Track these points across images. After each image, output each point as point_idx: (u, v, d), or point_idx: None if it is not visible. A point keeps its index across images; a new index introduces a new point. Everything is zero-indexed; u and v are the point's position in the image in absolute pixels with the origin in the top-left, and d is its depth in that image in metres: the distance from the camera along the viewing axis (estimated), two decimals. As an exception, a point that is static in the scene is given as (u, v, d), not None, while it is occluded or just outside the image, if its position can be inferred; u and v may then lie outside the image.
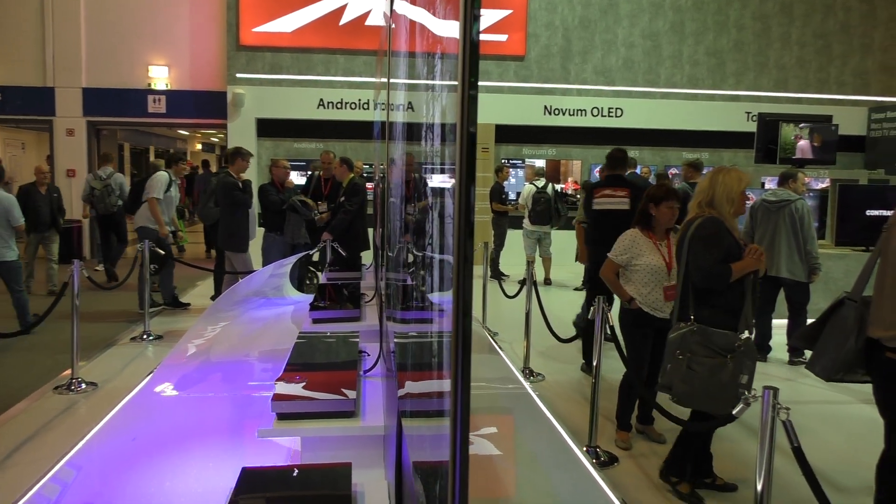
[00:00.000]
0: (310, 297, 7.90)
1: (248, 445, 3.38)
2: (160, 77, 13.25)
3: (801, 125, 9.04)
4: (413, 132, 1.51)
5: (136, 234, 8.97)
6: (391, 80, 2.43)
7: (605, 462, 4.41)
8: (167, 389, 4.56)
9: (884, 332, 2.72)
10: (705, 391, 3.26)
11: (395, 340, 2.03)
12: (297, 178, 11.15)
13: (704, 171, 6.56)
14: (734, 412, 2.97)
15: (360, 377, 3.34)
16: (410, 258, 1.49)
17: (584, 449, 4.35)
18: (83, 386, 5.93)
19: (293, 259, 8.10)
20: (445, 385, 1.10)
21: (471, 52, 0.74)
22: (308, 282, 8.88)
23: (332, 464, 2.32)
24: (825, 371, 2.98)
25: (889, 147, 13.86)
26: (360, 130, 12.98)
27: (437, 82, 1.06)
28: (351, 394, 3.04)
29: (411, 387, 1.43)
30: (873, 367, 2.82)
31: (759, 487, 2.65)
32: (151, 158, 20.93)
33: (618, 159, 6.32)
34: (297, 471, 2.25)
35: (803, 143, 9.05)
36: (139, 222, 8.95)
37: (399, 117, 1.82)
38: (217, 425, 3.88)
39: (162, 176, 8.92)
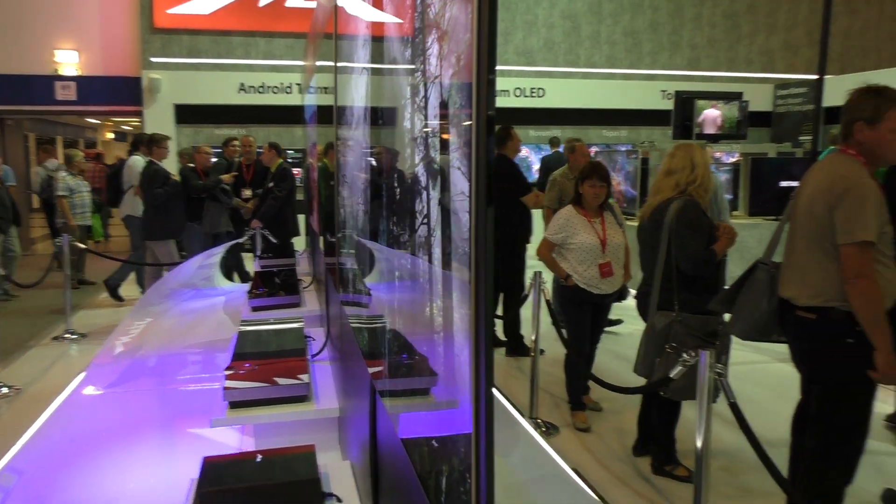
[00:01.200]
0: (242, 287, 7.79)
1: (198, 437, 3.34)
2: (69, 62, 12.60)
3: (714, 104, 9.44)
4: (385, 116, 1.53)
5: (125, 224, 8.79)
6: (339, 64, 2.43)
7: (546, 432, 4.57)
8: (103, 387, 4.44)
9: (794, 293, 2.86)
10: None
11: (365, 325, 2.05)
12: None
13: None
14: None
15: (310, 362, 3.35)
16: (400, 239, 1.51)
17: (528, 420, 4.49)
18: (4, 390, 5.66)
19: (222, 248, 7.93)
20: (438, 363, 1.15)
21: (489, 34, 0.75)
22: (238, 271, 8.72)
23: (295, 448, 2.33)
24: (743, 332, 3.11)
25: (794, 122, 14.61)
26: (284, 115, 12.73)
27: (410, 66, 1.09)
28: (303, 378, 3.05)
29: (396, 367, 1.47)
30: (786, 326, 2.96)
31: (699, 444, 2.79)
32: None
33: (499, 138, 6.10)
34: (260, 457, 2.26)
35: (710, 114, 9.45)
36: (125, 211, 8.70)
37: (359, 101, 1.83)
38: (162, 420, 3.81)
39: (138, 162, 8.54)
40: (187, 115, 12.73)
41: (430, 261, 1.05)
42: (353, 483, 2.32)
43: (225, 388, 2.94)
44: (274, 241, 7.88)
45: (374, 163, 1.57)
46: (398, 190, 1.30)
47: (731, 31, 14.97)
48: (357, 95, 1.85)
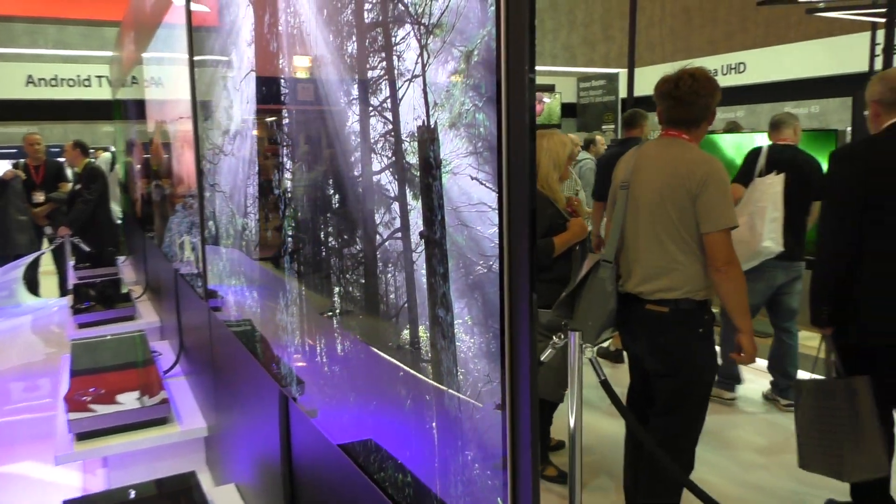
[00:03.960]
0: (55, 302, 6.98)
1: (36, 477, 2.93)
2: None
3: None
4: (313, 118, 1.40)
5: None
6: (196, 57, 2.22)
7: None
8: None
9: (644, 287, 2.78)
10: (541, 377, 3.05)
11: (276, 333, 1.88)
12: (5, 167, 9.65)
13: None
14: (542, 358, 3.14)
15: (163, 379, 3.06)
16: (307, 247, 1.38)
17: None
18: None
19: (24, 261, 7.05)
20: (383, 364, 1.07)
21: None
22: (43, 284, 7.81)
23: (172, 476, 2.11)
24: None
25: (596, 112, 15.76)
26: (83, 111, 11.59)
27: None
28: (160, 398, 2.78)
29: (316, 373, 1.36)
30: (633, 322, 2.86)
31: (571, 423, 2.76)
32: None
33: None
34: (133, 492, 2.01)
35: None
36: None
37: (245, 101, 1.66)
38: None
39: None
40: (-36, 111, 11.21)
41: (407, 271, 0.96)
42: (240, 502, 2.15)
43: (70, 420, 2.60)
44: (86, 249, 7.13)
45: (288, 169, 1.43)
46: (339, 199, 1.18)
47: (537, 27, 15.82)
48: (245, 93, 1.68)
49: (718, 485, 3.46)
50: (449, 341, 0.87)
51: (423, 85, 0.85)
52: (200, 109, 2.33)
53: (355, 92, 1.06)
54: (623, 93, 15.68)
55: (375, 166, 1.00)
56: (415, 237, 0.91)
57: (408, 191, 0.92)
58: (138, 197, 5.28)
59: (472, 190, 0.78)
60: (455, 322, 0.84)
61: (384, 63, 0.95)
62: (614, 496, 3.37)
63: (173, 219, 3.14)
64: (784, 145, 4.13)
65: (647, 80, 3.12)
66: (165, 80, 3.16)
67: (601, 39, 16.50)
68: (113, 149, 8.70)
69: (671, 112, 2.77)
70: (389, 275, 1.00)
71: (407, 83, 0.90)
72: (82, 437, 2.61)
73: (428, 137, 0.85)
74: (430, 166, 0.85)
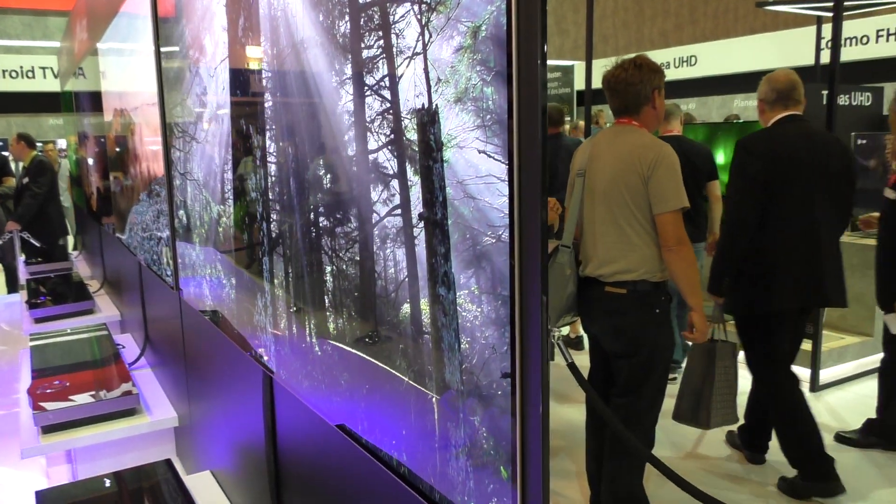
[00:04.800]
0: (1, 298, 6.79)
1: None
2: None
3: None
4: (300, 103, 1.40)
5: None
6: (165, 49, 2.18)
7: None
8: None
9: (603, 270, 2.86)
10: None
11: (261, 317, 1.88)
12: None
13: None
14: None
15: (130, 370, 3.01)
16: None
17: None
18: None
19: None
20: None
21: None
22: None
23: (144, 466, 2.09)
24: (553, 317, 3.00)
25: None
26: (28, 103, 11.23)
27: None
28: (127, 389, 2.74)
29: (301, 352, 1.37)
30: (592, 304, 2.94)
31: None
32: None
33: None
34: (108, 481, 1.99)
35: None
36: None
37: (221, 86, 1.64)
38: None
39: None
40: None
41: (409, 247, 0.98)
42: (219, 491, 2.14)
43: (34, 411, 2.55)
44: (37, 244, 6.94)
45: (272, 152, 1.43)
46: (330, 178, 1.19)
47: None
48: (220, 79, 1.67)
49: (673, 460, 3.58)
50: (451, 317, 0.89)
51: (425, 62, 0.87)
52: (169, 96, 2.30)
53: (349, 71, 1.07)
54: (579, 85, 15.88)
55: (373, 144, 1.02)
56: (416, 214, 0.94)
57: (408, 168, 0.94)
58: (93, 190, 5.16)
59: (480, 163, 0.80)
60: (461, 293, 0.86)
61: (381, 42, 0.96)
62: (577, 481, 3.45)
63: (137, 208, 3.09)
64: (671, 136, 4.31)
65: (600, 73, 3.21)
66: (126, 68, 3.09)
67: (555, 32, 16.65)
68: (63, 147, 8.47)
69: (613, 102, 2.91)
70: (388, 251, 1.02)
71: (408, 60, 0.92)
72: (48, 429, 2.56)
73: (429, 115, 0.87)
74: (432, 144, 0.87)
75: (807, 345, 4.61)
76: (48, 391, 2.72)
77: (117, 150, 3.80)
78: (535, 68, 0.73)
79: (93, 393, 2.71)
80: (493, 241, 0.80)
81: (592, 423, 3.18)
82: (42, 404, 2.59)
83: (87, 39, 4.44)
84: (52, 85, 10.20)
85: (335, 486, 1.28)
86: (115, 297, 4.57)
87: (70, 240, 7.94)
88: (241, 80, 1.55)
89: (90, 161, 5.27)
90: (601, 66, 3.16)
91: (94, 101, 4.43)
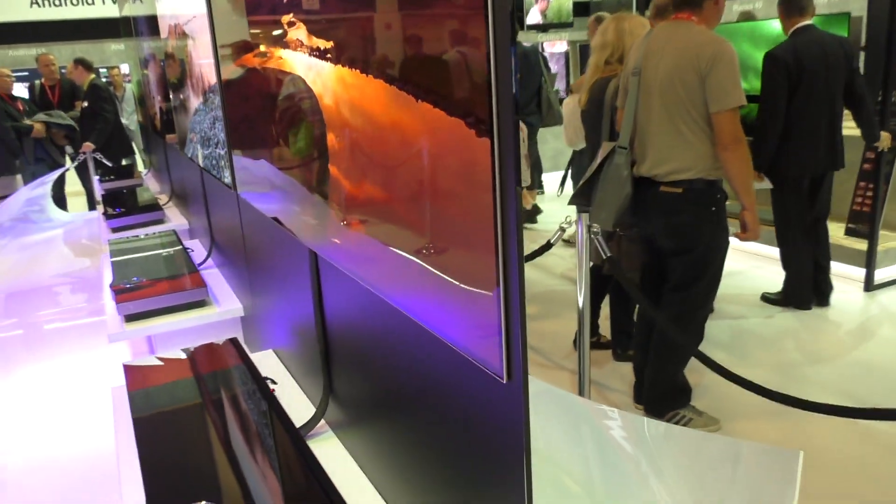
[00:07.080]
0: (82, 215, 7.25)
1: (88, 357, 3.21)
2: None
3: None
4: None
5: None
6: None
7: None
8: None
9: (659, 170, 2.87)
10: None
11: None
12: (20, 90, 9.75)
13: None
14: (551, 241, 3.23)
15: (198, 269, 3.29)
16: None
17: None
18: None
19: (50, 177, 7.28)
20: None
21: None
22: (70, 201, 8.07)
23: (214, 343, 2.35)
24: (608, 220, 3.04)
25: (610, 8, 15.37)
26: (90, 30, 11.54)
27: None
28: (197, 283, 3.01)
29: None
30: (646, 204, 2.97)
31: (579, 303, 2.86)
32: None
33: None
34: (185, 354, 2.26)
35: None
36: None
37: None
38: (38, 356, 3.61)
39: None
40: (-28, 35, 11.22)
41: None
42: (278, 362, 2.41)
43: (118, 302, 2.85)
44: (108, 163, 7.35)
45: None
46: None
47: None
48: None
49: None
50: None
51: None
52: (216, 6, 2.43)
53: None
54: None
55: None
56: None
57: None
58: (157, 110, 5.41)
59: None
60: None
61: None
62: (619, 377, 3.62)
63: (195, 118, 3.29)
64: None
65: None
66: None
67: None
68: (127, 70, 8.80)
69: None
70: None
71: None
72: (130, 318, 2.87)
73: None
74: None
75: (862, 244, 4.60)
76: (127, 286, 3.02)
77: (174, 66, 3.98)
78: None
79: (166, 287, 3.00)
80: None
81: (642, 320, 3.34)
82: (123, 296, 2.89)
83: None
84: (112, 11, 10.45)
85: (377, 349, 1.45)
86: (182, 208, 4.87)
87: (138, 159, 8.33)
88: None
89: (152, 82, 5.49)
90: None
91: (150, 24, 4.60)
